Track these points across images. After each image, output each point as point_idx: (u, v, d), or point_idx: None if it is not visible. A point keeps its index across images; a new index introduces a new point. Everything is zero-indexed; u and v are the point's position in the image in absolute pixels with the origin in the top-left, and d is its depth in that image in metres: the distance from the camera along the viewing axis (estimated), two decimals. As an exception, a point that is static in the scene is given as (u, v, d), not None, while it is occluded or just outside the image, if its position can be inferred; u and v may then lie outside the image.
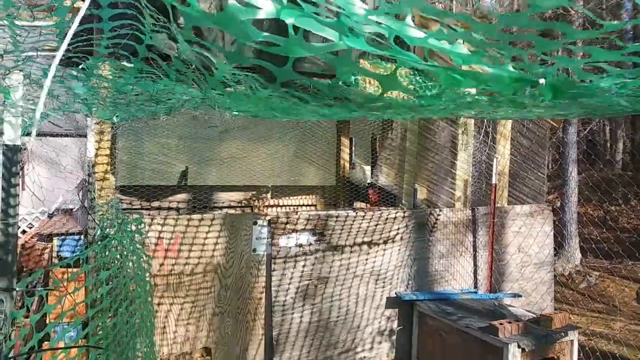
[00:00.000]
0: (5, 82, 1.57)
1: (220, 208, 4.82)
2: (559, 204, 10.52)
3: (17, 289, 1.71)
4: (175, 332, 3.40)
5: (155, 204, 4.64)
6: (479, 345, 3.39)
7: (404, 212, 4.20)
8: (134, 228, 2.56)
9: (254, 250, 3.63)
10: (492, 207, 4.45)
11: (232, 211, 4.85)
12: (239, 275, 3.59)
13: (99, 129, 3.29)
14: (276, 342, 3.67)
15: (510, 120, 4.78)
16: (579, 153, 10.66)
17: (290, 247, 3.70)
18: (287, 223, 3.69)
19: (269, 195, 4.93)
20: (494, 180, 4.50)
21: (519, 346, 3.18)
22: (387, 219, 4.09)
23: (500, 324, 3.32)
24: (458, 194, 4.66)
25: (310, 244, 3.79)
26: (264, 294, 3.67)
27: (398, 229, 4.17)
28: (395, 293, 4.19)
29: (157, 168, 4.74)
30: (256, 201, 4.88)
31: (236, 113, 2.80)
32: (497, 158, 4.62)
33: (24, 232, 6.51)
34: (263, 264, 3.65)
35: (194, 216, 3.47)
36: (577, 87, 1.23)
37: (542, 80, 1.00)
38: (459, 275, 4.47)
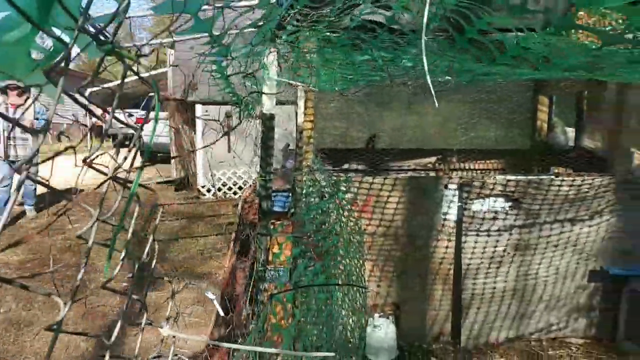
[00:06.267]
0: (264, 60, 1.82)
1: (406, 171, 4.91)
2: None
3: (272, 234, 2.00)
4: (368, 286, 3.65)
5: (344, 167, 4.96)
6: None
7: (617, 179, 3.69)
8: (343, 188, 2.80)
9: (445, 213, 3.63)
10: None
11: (418, 174, 4.90)
12: (428, 237, 3.65)
13: (305, 97, 3.61)
14: (465, 306, 3.68)
15: None
16: None
17: (483, 212, 3.60)
18: (481, 187, 3.59)
19: (454, 159, 4.82)
20: None
21: None
22: (594, 186, 3.65)
23: None
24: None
25: (506, 211, 3.62)
26: (453, 258, 3.67)
27: (608, 197, 3.69)
28: (601, 267, 3.78)
29: (345, 133, 5.03)
30: (442, 165, 4.82)
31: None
32: None
33: (240, 188, 7.64)
34: (454, 227, 3.64)
35: (386, 180, 3.61)
36: None
37: None
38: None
